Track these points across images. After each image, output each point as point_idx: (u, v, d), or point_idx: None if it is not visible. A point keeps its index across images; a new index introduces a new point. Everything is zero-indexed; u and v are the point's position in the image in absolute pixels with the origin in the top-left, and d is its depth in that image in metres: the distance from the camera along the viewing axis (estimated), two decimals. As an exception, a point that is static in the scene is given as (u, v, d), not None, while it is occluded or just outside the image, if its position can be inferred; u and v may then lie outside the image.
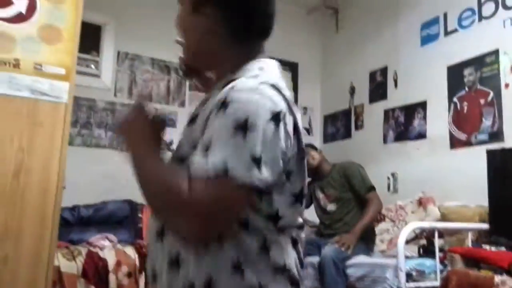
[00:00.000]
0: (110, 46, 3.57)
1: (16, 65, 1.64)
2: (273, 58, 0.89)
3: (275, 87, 0.76)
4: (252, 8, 0.84)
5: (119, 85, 3.57)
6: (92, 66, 3.51)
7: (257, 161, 0.69)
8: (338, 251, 2.32)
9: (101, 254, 2.55)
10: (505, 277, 1.65)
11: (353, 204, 2.63)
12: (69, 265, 2.40)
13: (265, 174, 0.69)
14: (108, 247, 2.62)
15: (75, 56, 1.75)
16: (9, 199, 1.60)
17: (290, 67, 4.26)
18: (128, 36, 3.59)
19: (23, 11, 1.67)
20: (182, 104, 3.77)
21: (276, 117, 0.72)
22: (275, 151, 0.72)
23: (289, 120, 0.75)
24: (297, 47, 4.29)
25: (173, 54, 4.30)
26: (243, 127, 0.69)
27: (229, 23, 0.84)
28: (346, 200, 2.63)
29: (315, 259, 2.43)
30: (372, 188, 2.61)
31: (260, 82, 0.75)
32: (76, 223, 2.91)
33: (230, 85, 0.75)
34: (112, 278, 2.49)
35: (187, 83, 3.79)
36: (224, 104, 0.71)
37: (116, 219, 3.03)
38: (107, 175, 3.20)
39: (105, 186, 3.18)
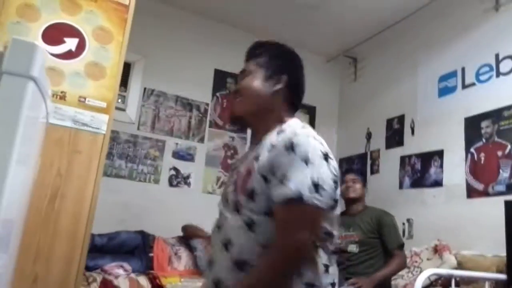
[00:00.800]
0: (137, 82, 3.75)
1: (62, 97, 1.77)
2: None
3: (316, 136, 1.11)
4: (302, 85, 1.29)
5: (143, 119, 3.71)
6: (119, 100, 3.67)
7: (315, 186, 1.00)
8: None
9: (115, 282, 2.58)
10: (524, 329, 1.65)
11: (377, 252, 2.61)
12: (84, 291, 2.43)
13: (322, 196, 1.00)
14: (122, 276, 2.65)
15: (116, 92, 1.88)
16: (43, 221, 1.68)
17: (309, 111, 4.39)
18: (155, 74, 3.78)
19: (73, 49, 1.81)
20: (202, 140, 3.90)
21: (326, 156, 1.08)
22: (329, 180, 1.03)
23: (332, 160, 1.11)
24: (316, 92, 4.41)
25: (196, 93, 4.50)
26: (306, 161, 1.01)
27: (289, 92, 1.23)
28: (370, 246, 2.62)
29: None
30: (402, 246, 2.62)
31: (310, 132, 1.11)
32: (89, 251, 2.95)
33: (287, 134, 1.08)
34: (123, 306, 2.51)
35: (208, 120, 3.93)
36: (292, 147, 1.03)
37: (128, 248, 3.06)
38: (122, 205, 3.29)
39: (119, 217, 3.26)
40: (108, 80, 1.85)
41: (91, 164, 1.78)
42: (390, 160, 3.68)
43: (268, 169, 1.03)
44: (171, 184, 3.71)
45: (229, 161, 3.95)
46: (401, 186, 3.52)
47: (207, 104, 3.99)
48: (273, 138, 1.10)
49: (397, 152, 3.63)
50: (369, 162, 3.92)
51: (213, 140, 3.95)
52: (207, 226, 3.15)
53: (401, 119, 3.67)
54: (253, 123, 1.24)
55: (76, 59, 1.80)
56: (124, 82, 3.69)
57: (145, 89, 3.76)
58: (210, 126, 3.96)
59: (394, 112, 3.74)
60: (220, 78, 4.07)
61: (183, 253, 3.05)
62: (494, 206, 2.49)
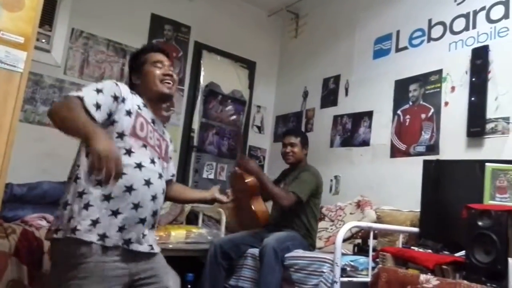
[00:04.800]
0: (64, 21, 3.43)
1: (-30, 28, 1.56)
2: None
3: None
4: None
5: (70, 63, 3.45)
6: (43, 40, 3.36)
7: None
8: (280, 241, 2.41)
9: (36, 233, 2.45)
10: (429, 276, 1.81)
11: (309, 206, 2.67)
12: (1, 242, 2.29)
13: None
14: (44, 227, 2.53)
15: (35, 26, 1.68)
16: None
17: (248, 65, 4.33)
18: (85, 14, 3.49)
19: (-17, -27, 1.59)
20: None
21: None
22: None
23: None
24: (257, 47, 4.38)
25: (131, 39, 4.22)
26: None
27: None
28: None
29: (256, 251, 2.50)
30: (298, 197, 2.57)
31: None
32: (8, 201, 2.77)
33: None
34: (46, 259, 2.41)
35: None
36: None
37: (50, 199, 2.87)
38: (45, 154, 3.09)
39: (42, 166, 3.07)
40: (27, 12, 1.65)
41: (6, 105, 1.61)
42: (324, 119, 3.78)
43: None
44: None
45: (164, 113, 3.83)
46: (332, 144, 3.65)
47: (142, 51, 3.77)
48: None
49: (331, 112, 3.73)
50: (304, 120, 4.00)
51: (148, 90, 3.78)
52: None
53: (337, 79, 3.74)
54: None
55: (-13, -14, 1.58)
56: (49, 20, 3.36)
57: (73, 29, 3.46)
58: (145, 75, 3.77)
59: (331, 72, 3.81)
60: (158, 24, 3.85)
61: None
62: (414, 166, 2.67)
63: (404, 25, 3.27)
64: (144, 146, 1.56)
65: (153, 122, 1.67)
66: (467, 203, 1.93)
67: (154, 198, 1.55)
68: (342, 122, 3.60)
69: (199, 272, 2.58)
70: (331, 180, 3.47)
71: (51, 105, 1.63)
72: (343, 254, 2.19)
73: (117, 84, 1.58)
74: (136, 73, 1.73)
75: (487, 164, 2.07)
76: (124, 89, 1.59)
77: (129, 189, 1.47)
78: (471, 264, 1.79)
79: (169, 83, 1.70)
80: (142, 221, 1.50)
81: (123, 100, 1.56)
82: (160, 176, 1.59)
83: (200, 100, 4.03)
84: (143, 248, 1.51)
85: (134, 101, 1.61)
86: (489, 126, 2.58)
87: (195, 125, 3.98)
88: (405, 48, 3.24)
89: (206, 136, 4.04)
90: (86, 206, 1.42)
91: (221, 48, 4.16)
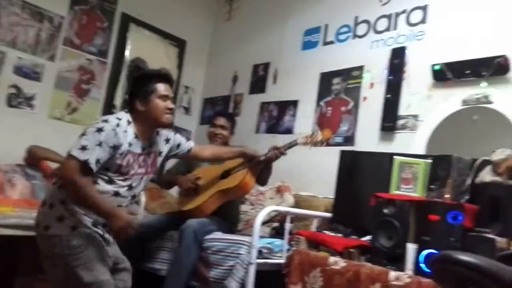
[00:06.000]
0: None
1: None
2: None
3: None
4: None
5: (-22, 23, 3.11)
6: None
7: None
8: (202, 224, 2.42)
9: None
10: (337, 258, 1.94)
11: None
12: None
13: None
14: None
15: None
16: None
17: (178, 44, 4.21)
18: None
19: None
20: (52, 58, 3.44)
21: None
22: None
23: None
24: (189, 25, 4.27)
25: (49, 2, 3.92)
26: None
27: None
28: None
29: (175, 233, 2.48)
30: None
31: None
32: None
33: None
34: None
35: (62, 36, 3.48)
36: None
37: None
38: None
39: None
40: None
41: None
42: (251, 105, 3.82)
43: None
44: (10, 104, 3.23)
45: (84, 86, 3.61)
46: (257, 130, 3.70)
47: (62, 17, 3.49)
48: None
49: (259, 98, 3.77)
50: (232, 105, 4.01)
51: (67, 60, 3.52)
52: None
53: (266, 66, 3.79)
54: None
55: None
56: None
57: (-19, -15, 3.11)
58: (64, 44, 3.50)
59: (261, 59, 3.84)
60: (81, -11, 3.59)
61: (18, 181, 2.74)
62: (332, 155, 2.80)
63: (332, 19, 3.39)
64: (125, 179, 1.84)
65: (143, 149, 1.90)
66: (376, 192, 2.08)
67: None
68: (269, 109, 3.67)
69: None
70: (254, 165, 3.53)
71: (63, 180, 1.76)
72: (260, 237, 2.25)
73: (116, 134, 1.75)
74: (142, 100, 1.87)
75: (395, 157, 2.25)
76: (121, 134, 1.77)
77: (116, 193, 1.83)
78: (375, 248, 1.94)
79: (171, 114, 1.92)
80: None
81: (119, 146, 1.77)
82: (133, 197, 1.93)
83: (125, 76, 3.85)
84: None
85: (127, 139, 1.80)
86: (400, 122, 2.79)
87: (117, 101, 3.80)
88: (332, 42, 3.36)
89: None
90: (71, 211, 1.74)
91: (150, 23, 3.99)
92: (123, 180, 1.83)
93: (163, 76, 1.95)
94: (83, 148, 1.69)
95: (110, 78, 3.76)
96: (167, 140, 2.07)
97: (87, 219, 1.75)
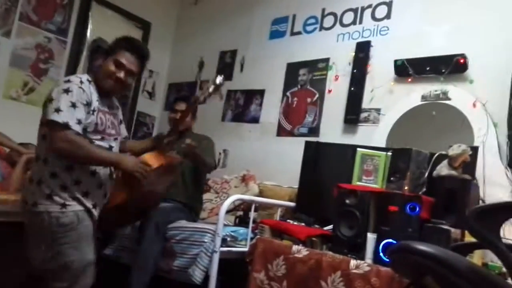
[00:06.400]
0: None
1: None
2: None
3: None
4: None
5: None
6: None
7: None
8: (163, 215, 2.39)
9: None
10: (300, 247, 1.99)
11: (197, 174, 2.72)
12: None
13: None
14: None
15: None
16: None
17: (143, 26, 4.09)
18: None
19: None
20: (8, 34, 3.26)
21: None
22: None
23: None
24: (154, 6, 4.16)
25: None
26: None
27: None
28: (187, 167, 2.67)
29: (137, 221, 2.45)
30: (214, 168, 2.79)
31: None
32: None
33: None
34: None
35: (18, 11, 3.29)
36: None
37: None
38: None
39: None
40: None
41: None
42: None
43: None
44: (-41, 83, 3.04)
45: (42, 66, 3.44)
46: (223, 118, 3.69)
47: (19, -9, 3.30)
48: None
49: (225, 86, 3.73)
50: (197, 91, 3.95)
51: (23, 37, 3.34)
52: (10, 136, 2.75)
53: (233, 53, 3.76)
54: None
55: None
56: None
57: None
58: (20, 20, 3.32)
59: (228, 46, 3.81)
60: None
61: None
62: (297, 145, 2.84)
63: (300, 10, 3.40)
64: (102, 138, 1.80)
65: (109, 107, 1.87)
66: (339, 183, 2.14)
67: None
68: (235, 98, 3.65)
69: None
70: (220, 154, 3.51)
71: (52, 144, 1.67)
72: (225, 225, 2.26)
73: (83, 90, 1.71)
74: (105, 56, 1.86)
75: (358, 149, 2.31)
76: (87, 90, 1.74)
77: (94, 173, 1.78)
78: (336, 237, 2.00)
79: (117, 84, 1.83)
80: (105, 195, 1.87)
81: (91, 103, 1.73)
82: None
83: (86, 56, 3.70)
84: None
85: (93, 96, 1.76)
86: (363, 115, 2.86)
87: (78, 83, 3.65)
88: (299, 33, 3.38)
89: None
90: (63, 186, 1.70)
91: (113, 2, 3.85)
92: (101, 140, 1.79)
93: (136, 49, 1.88)
94: (58, 110, 1.63)
95: (70, 58, 3.61)
96: (117, 108, 2.01)
97: (78, 194, 1.72)
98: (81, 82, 1.72)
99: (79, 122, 1.67)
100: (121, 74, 1.82)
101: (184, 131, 2.77)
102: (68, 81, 1.72)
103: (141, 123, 4.12)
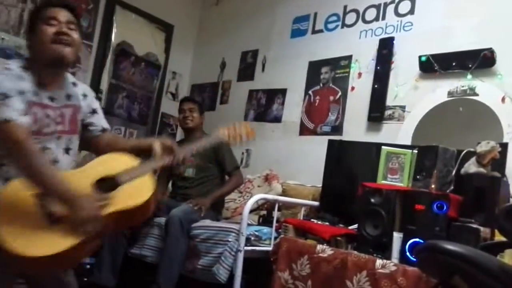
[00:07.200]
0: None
1: None
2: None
3: None
4: None
5: (-43, 2, 3.00)
6: None
7: None
8: (187, 213, 2.42)
9: None
10: (325, 246, 1.98)
11: (215, 176, 2.80)
12: None
13: None
14: None
15: None
16: None
17: (165, 28, 4.15)
18: None
19: None
20: (36, 39, 3.35)
21: None
22: None
23: None
24: (176, 9, 4.20)
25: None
26: None
27: None
28: (207, 170, 2.76)
29: (162, 220, 2.49)
30: (238, 167, 2.88)
31: None
32: None
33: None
34: None
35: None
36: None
37: None
38: None
39: None
40: None
41: None
42: (240, 92, 3.80)
43: None
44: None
45: (69, 70, 3.52)
46: (246, 118, 3.70)
47: (46, -2, 3.40)
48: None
49: (247, 86, 3.76)
50: (220, 92, 3.99)
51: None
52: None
53: (255, 53, 3.77)
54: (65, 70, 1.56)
55: None
56: None
57: (-39, -38, 2.99)
58: (48, 25, 3.41)
59: (250, 46, 3.82)
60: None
61: None
62: (320, 144, 2.83)
63: (321, 8, 3.37)
64: (37, 138, 1.40)
65: (51, 99, 1.47)
66: (363, 182, 2.12)
67: None
68: (257, 97, 3.66)
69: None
70: (243, 153, 3.54)
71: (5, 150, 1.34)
72: (248, 224, 2.27)
73: (8, 79, 1.35)
74: (29, 35, 1.49)
75: (383, 147, 2.28)
76: (15, 79, 1.36)
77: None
78: (361, 236, 1.98)
79: (63, 43, 1.43)
80: None
81: (24, 92, 1.37)
82: (55, 161, 1.46)
83: (111, 60, 3.78)
84: None
85: (26, 86, 1.38)
86: (387, 112, 2.82)
87: (104, 86, 3.74)
88: (321, 31, 3.36)
89: (115, 98, 3.82)
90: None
91: (137, 6, 3.92)
92: (36, 141, 1.38)
93: (52, 1, 1.51)
94: None
95: (96, 62, 3.69)
96: (84, 96, 1.61)
97: None
98: (7, 68, 1.38)
99: (20, 111, 1.33)
100: (60, 27, 1.44)
101: (194, 129, 2.83)
102: None
103: (165, 124, 4.18)
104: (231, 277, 2.16)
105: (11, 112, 1.29)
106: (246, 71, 3.81)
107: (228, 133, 1.72)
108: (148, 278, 2.38)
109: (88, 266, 2.51)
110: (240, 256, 2.14)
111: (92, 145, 1.64)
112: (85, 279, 2.43)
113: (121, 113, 3.86)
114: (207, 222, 2.47)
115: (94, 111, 1.64)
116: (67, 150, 1.51)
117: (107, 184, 1.40)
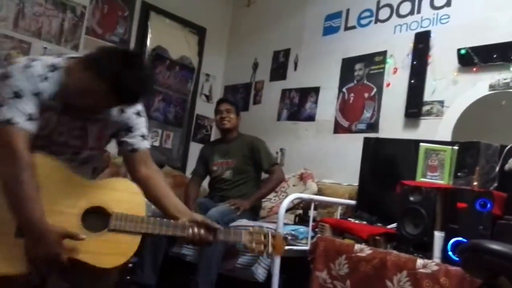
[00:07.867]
0: (-4, -33, 3.12)
1: None
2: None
3: None
4: None
5: (2, 14, 3.17)
6: (-28, -14, 3.04)
7: None
8: (224, 214, 2.46)
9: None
10: (363, 245, 1.95)
11: (252, 176, 2.82)
12: None
13: None
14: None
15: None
16: None
17: (198, 31, 4.22)
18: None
19: None
20: (76, 47, 3.49)
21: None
22: None
23: None
24: (208, 12, 4.26)
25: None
26: None
27: None
28: (245, 172, 2.78)
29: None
30: (276, 164, 2.88)
31: None
32: None
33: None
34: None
35: (84, 26, 3.53)
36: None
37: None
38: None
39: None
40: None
41: None
42: (272, 92, 3.81)
43: None
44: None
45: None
46: (279, 118, 3.71)
47: (85, 7, 3.53)
48: None
49: (280, 85, 3.77)
50: (253, 92, 4.01)
51: (90, 49, 3.56)
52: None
53: (287, 52, 3.77)
54: None
55: None
56: (-22, -35, 3.04)
57: (6, -23, 3.16)
58: (87, 33, 3.55)
59: (282, 45, 3.82)
60: (101, -22, 3.62)
61: None
62: (355, 142, 2.80)
63: (353, 4, 3.33)
64: (43, 146, 1.29)
65: (75, 110, 1.32)
66: (401, 180, 2.07)
67: None
68: (290, 96, 3.66)
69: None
70: (277, 153, 3.54)
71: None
72: (284, 224, 2.28)
73: (27, 77, 1.24)
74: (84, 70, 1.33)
75: (421, 144, 2.22)
76: (35, 79, 1.25)
77: None
78: (401, 235, 1.94)
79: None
80: None
81: (39, 94, 1.26)
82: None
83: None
84: None
85: (46, 89, 1.26)
86: (425, 108, 2.75)
87: (141, 91, 3.85)
88: (354, 27, 3.31)
89: (152, 102, 3.93)
90: None
91: (170, 11, 4.00)
92: (40, 148, 1.28)
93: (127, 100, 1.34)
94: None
95: (133, 68, 3.80)
96: (121, 111, 1.43)
97: None
98: (27, 66, 1.26)
99: (29, 117, 1.24)
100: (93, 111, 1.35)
101: (231, 130, 2.85)
102: (13, 63, 1.30)
103: (200, 126, 4.25)
104: (269, 276, 2.18)
105: (16, 114, 1.20)
106: (279, 70, 3.81)
107: (252, 238, 1.47)
108: (188, 276, 2.43)
109: (131, 265, 2.59)
110: (278, 256, 2.14)
111: (125, 163, 1.50)
112: (128, 277, 2.51)
113: (158, 116, 3.96)
114: (244, 222, 2.50)
115: (128, 129, 1.45)
116: (85, 162, 1.41)
117: (97, 217, 1.27)
